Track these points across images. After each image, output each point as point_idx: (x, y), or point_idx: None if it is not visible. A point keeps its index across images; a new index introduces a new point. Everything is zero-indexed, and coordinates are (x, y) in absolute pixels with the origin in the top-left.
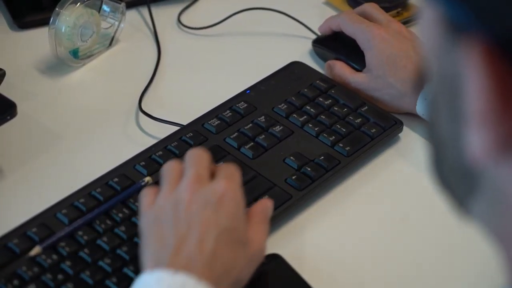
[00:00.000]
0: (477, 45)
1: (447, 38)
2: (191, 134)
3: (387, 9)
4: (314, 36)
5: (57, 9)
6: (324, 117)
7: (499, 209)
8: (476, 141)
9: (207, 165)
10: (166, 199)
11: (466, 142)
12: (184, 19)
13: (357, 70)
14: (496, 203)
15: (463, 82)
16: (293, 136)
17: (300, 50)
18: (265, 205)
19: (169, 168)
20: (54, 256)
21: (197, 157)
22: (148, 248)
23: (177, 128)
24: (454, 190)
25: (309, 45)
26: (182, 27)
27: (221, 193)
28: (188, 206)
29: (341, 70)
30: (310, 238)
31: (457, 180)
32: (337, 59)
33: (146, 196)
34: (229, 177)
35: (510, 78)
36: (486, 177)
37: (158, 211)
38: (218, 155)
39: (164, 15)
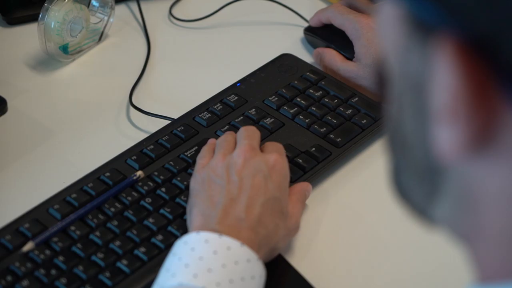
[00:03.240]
0: (447, 42)
1: (413, 36)
2: (182, 128)
3: (374, 0)
4: (306, 24)
5: (46, 4)
6: (315, 108)
7: (465, 207)
8: (446, 137)
9: (259, 140)
10: (220, 162)
11: (434, 140)
12: (175, 11)
13: (347, 59)
14: (463, 201)
15: (430, 79)
16: (284, 128)
17: (292, 39)
18: (306, 187)
19: (224, 139)
20: (47, 252)
21: (250, 131)
22: (197, 206)
23: (168, 121)
24: (414, 198)
25: (301, 33)
26: (172, 21)
27: (272, 164)
28: (241, 170)
29: (332, 57)
30: (302, 229)
31: (418, 185)
32: (328, 47)
33: (202, 158)
34: (279, 152)
35: (481, 72)
36: (453, 175)
37: (211, 171)
38: None
39: (153, 9)
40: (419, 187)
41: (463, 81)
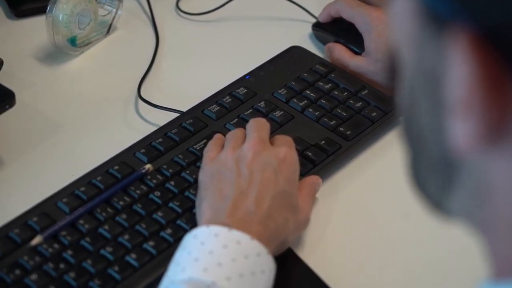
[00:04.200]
0: (462, 35)
1: (427, 29)
2: (191, 121)
3: None
4: (314, 20)
5: None
6: (324, 101)
7: (481, 199)
8: (461, 130)
9: (268, 132)
10: (229, 155)
11: (449, 133)
12: (182, 5)
13: (357, 53)
14: (478, 194)
15: (445, 72)
16: (294, 121)
17: (301, 34)
18: (316, 180)
19: (233, 133)
20: (56, 245)
21: (259, 124)
22: (206, 199)
23: (176, 114)
24: (430, 189)
25: (309, 29)
26: (180, 13)
27: (282, 157)
28: (250, 164)
29: (341, 53)
30: (312, 223)
31: (434, 176)
32: (337, 42)
33: (209, 152)
34: (289, 145)
35: (496, 66)
36: (468, 168)
37: (221, 164)
38: None
39: (161, 2)
40: (434, 178)
41: (478, 74)
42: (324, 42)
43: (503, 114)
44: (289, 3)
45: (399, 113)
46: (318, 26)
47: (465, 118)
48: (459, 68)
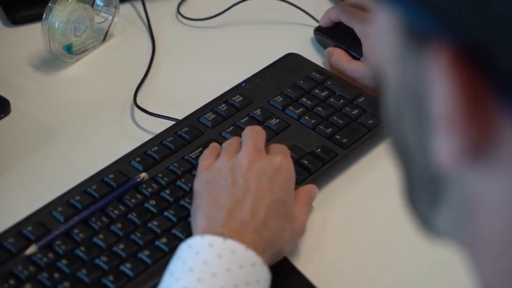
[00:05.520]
0: (442, 51)
1: (408, 45)
2: (187, 129)
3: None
4: (316, 24)
5: (49, 4)
6: (320, 109)
7: (465, 216)
8: (443, 147)
9: (264, 140)
10: (225, 164)
11: (432, 149)
12: (182, 10)
13: (357, 59)
14: (463, 210)
15: (428, 89)
16: (290, 129)
17: (303, 39)
18: (312, 189)
19: (229, 142)
20: (50, 255)
21: (255, 132)
22: (201, 208)
23: (172, 122)
24: (420, 206)
25: (311, 33)
26: (178, 20)
27: (278, 165)
28: (246, 172)
29: (339, 57)
30: (308, 232)
31: (422, 193)
32: (337, 47)
33: (204, 160)
34: (284, 154)
35: (477, 81)
36: (452, 184)
37: (216, 173)
38: None
39: (158, 9)
40: (423, 195)
41: (458, 90)
42: (325, 46)
43: (486, 129)
44: (292, 7)
45: (386, 128)
46: (319, 31)
47: (448, 134)
48: (440, 85)
